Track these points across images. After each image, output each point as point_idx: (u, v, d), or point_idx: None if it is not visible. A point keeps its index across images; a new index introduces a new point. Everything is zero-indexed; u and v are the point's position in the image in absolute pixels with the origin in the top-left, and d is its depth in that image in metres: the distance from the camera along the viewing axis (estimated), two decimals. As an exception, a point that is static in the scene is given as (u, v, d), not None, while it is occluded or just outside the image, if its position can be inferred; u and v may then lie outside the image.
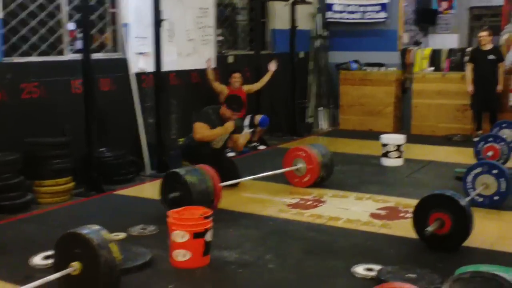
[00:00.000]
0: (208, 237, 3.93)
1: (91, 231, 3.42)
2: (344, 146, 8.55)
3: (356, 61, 10.34)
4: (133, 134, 7.08)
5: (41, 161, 5.78)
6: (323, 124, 10.54)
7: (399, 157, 7.11)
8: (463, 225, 4.14)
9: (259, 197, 5.79)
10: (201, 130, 5.89)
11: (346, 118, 10.32)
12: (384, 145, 7.14)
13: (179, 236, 3.87)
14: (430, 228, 4.05)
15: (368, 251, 4.29)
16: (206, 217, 3.94)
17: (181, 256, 3.89)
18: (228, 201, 5.50)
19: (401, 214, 5.11)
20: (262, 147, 8.50)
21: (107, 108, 6.75)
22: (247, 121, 8.20)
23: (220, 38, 8.67)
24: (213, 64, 8.24)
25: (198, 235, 3.87)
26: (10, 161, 5.40)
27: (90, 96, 6.12)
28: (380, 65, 10.17)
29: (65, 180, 5.88)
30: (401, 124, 10.16)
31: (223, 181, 5.59)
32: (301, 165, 6.07)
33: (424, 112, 9.62)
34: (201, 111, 6.15)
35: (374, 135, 8.31)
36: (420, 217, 4.26)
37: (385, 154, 7.13)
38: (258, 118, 8.22)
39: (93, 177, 6.13)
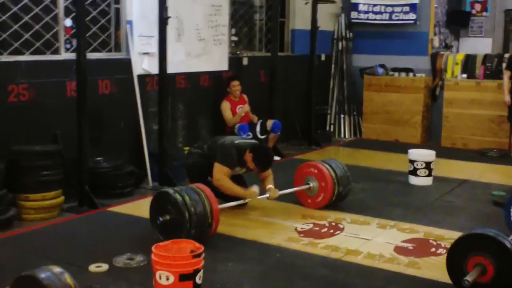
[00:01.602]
0: (198, 279, 3.27)
1: (51, 275, 2.83)
2: (367, 159, 7.87)
3: (382, 66, 9.67)
4: (135, 142, 6.48)
5: (27, 172, 5.18)
6: (345, 132, 9.84)
7: (428, 175, 6.37)
8: (510, 272, 3.39)
9: (267, 220, 5.10)
10: (220, 177, 5.05)
11: (369, 127, 9.63)
12: (412, 161, 6.40)
13: (163, 277, 3.23)
14: (469, 277, 3.30)
15: (391, 298, 3.61)
16: (196, 256, 3.27)
17: (165, 300, 3.25)
18: (231, 223, 4.87)
19: (432, 249, 4.37)
20: (276, 158, 7.77)
21: (107, 112, 6.21)
22: (258, 127, 7.58)
23: (235, 38, 8.02)
24: (226, 67, 7.62)
25: (185, 277, 3.21)
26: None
27: (83, 99, 5.50)
28: (408, 70, 9.49)
29: (54, 194, 5.27)
30: (430, 135, 9.46)
31: (228, 200, 4.99)
32: (312, 183, 5.38)
33: (455, 122, 8.90)
34: (224, 147, 5.22)
35: (400, 147, 7.72)
36: (456, 262, 3.52)
37: (413, 172, 6.40)
38: (270, 123, 7.59)
39: (84, 190, 5.52)
